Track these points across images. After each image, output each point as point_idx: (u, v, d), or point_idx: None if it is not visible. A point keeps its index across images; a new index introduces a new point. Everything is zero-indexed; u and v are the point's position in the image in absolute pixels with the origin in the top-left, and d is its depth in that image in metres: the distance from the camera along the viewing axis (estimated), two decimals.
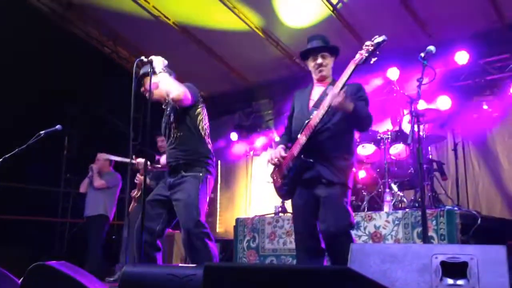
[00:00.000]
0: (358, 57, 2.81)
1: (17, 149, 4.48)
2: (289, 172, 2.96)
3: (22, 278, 3.15)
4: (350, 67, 2.79)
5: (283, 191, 3.07)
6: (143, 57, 3.25)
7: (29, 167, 6.23)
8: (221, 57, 7.16)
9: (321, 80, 3.09)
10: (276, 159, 3.05)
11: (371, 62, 2.82)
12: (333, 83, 2.93)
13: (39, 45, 6.43)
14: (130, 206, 5.42)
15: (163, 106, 3.55)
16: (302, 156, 2.88)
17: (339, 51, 3.13)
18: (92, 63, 7.34)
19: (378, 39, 2.77)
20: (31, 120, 6.02)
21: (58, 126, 4.73)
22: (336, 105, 2.75)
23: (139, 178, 5.33)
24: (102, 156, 6.03)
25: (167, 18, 6.51)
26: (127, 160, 3.92)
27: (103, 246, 6.12)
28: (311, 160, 2.87)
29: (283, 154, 3.04)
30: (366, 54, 2.77)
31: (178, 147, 3.33)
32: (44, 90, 6.60)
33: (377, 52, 2.80)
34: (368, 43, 2.81)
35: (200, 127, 3.35)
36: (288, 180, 2.97)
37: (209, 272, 1.67)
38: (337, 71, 3.05)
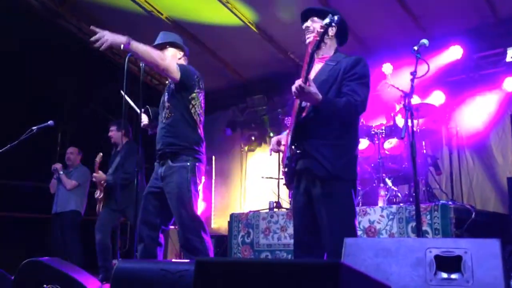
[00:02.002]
0: (312, 41, 2.58)
1: (8, 145, 4.46)
2: (286, 162, 2.74)
3: (15, 274, 3.14)
4: (308, 54, 2.57)
5: (285, 180, 2.84)
6: None
7: (20, 163, 6.18)
8: (214, 52, 7.13)
9: (313, 49, 2.61)
10: (274, 147, 2.86)
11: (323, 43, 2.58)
12: (334, 58, 2.73)
13: (29, 41, 6.38)
14: (97, 207, 5.31)
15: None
16: (292, 146, 2.66)
17: (340, 21, 2.63)
18: (84, 58, 7.29)
19: (326, 20, 2.53)
20: (23, 116, 5.99)
21: (50, 122, 4.72)
22: (294, 91, 2.48)
23: (96, 176, 5.22)
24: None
25: (159, 13, 6.46)
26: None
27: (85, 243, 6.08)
28: (298, 151, 2.64)
29: (282, 142, 2.83)
30: (318, 38, 2.53)
31: (167, 128, 3.27)
32: (35, 86, 6.54)
33: (329, 34, 2.64)
34: (318, 26, 2.60)
35: (192, 111, 3.29)
36: (288, 170, 2.74)
37: (201, 267, 1.65)
38: None
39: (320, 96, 2.51)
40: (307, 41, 2.75)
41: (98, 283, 3.18)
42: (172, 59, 3.35)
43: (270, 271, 1.47)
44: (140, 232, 3.23)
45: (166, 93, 3.34)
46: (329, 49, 2.80)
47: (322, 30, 2.53)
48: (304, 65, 2.55)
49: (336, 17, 2.56)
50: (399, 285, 1.99)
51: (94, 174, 5.22)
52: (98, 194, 5.31)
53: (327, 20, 2.54)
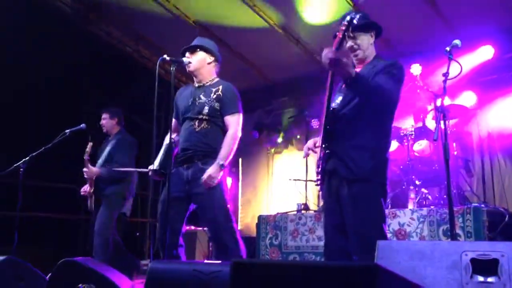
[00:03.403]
0: (335, 40, 2.57)
1: (43, 148, 4.57)
2: (318, 162, 2.74)
3: (50, 274, 3.22)
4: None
5: (317, 180, 2.80)
6: (165, 56, 3.27)
7: (53, 165, 6.32)
8: (241, 55, 7.16)
9: (360, 63, 2.82)
10: (308, 150, 2.87)
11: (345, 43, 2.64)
12: (375, 60, 2.75)
13: (61, 46, 6.53)
14: (89, 203, 4.79)
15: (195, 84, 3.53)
16: (322, 145, 2.66)
17: (374, 25, 2.78)
18: (114, 62, 7.43)
19: (347, 18, 2.54)
20: (54, 119, 6.13)
21: (82, 125, 4.81)
22: (325, 61, 2.43)
23: (87, 172, 4.72)
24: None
25: (187, 17, 6.54)
26: (145, 170, 3.79)
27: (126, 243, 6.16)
28: (327, 151, 2.65)
29: (317, 144, 2.80)
30: (341, 36, 2.53)
31: (200, 138, 3.31)
32: (65, 90, 6.69)
33: (350, 32, 2.62)
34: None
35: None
36: (320, 171, 2.72)
37: (237, 268, 1.66)
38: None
39: (353, 70, 2.48)
40: (355, 60, 2.80)
41: (130, 283, 3.23)
42: (200, 63, 3.40)
43: (307, 273, 1.48)
44: (161, 237, 3.23)
45: (207, 108, 3.33)
46: (371, 54, 2.83)
47: (343, 28, 2.54)
48: (326, 90, 2.57)
49: (358, 16, 2.56)
50: None
51: (85, 170, 4.69)
52: (87, 188, 4.77)
53: (348, 18, 2.55)
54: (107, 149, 4.91)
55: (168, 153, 3.32)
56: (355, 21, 2.56)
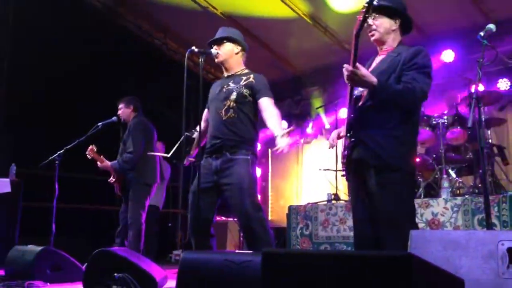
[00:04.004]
0: (356, 23, 2.52)
1: (77, 141, 4.68)
2: (344, 152, 2.72)
3: (86, 264, 3.31)
4: (354, 38, 2.51)
5: (344, 171, 2.81)
6: (194, 47, 3.28)
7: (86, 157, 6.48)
8: (268, 45, 7.14)
9: (379, 45, 2.79)
10: (332, 140, 2.87)
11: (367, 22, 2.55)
12: (397, 50, 2.69)
13: (92, 40, 6.66)
14: (115, 189, 4.84)
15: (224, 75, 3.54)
16: (347, 134, 2.64)
17: (399, 12, 2.71)
18: (143, 55, 7.53)
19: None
20: (85, 111, 6.26)
21: (114, 118, 4.91)
22: (348, 81, 2.46)
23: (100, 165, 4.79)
24: None
25: (214, 8, 6.56)
26: (167, 155, 3.87)
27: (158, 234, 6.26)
28: (352, 139, 2.61)
29: (341, 134, 2.82)
30: (361, 18, 2.48)
31: (227, 124, 3.29)
32: (96, 82, 6.82)
33: (370, 12, 2.54)
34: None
35: (256, 114, 3.36)
36: (345, 160, 2.71)
37: (268, 258, 1.67)
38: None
39: (375, 79, 2.47)
40: (372, 40, 2.77)
41: (164, 273, 3.28)
42: (228, 54, 3.41)
43: (339, 263, 1.47)
44: (193, 229, 3.26)
45: (235, 93, 3.33)
46: (392, 41, 2.76)
47: (364, 10, 2.48)
48: (351, 50, 2.51)
49: None
50: (470, 278, 1.92)
51: (98, 164, 4.76)
52: (112, 179, 4.81)
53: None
54: (124, 137, 4.90)
55: (188, 146, 3.42)
56: (375, 2, 2.50)
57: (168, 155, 3.69)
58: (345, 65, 2.49)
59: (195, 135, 3.41)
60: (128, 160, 4.68)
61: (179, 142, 3.48)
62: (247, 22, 6.66)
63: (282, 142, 2.98)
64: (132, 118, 4.96)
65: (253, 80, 3.36)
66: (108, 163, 4.77)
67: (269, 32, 6.88)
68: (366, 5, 2.46)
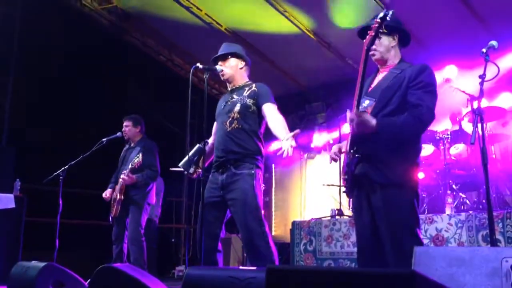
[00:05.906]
0: (367, 38, 2.58)
1: (81, 156, 4.71)
2: (346, 169, 2.72)
3: (89, 280, 3.29)
4: (363, 53, 2.56)
5: (345, 187, 2.80)
6: (198, 64, 3.32)
7: (90, 173, 6.49)
8: (272, 61, 7.20)
9: (380, 64, 2.80)
10: (334, 155, 2.84)
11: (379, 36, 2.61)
12: (399, 66, 2.69)
13: (98, 56, 6.73)
14: (114, 210, 4.80)
15: (228, 89, 3.57)
16: (351, 150, 2.64)
17: (396, 28, 2.72)
18: (148, 71, 7.59)
19: (380, 14, 2.51)
20: (90, 127, 6.30)
21: (118, 133, 4.94)
22: (354, 128, 2.53)
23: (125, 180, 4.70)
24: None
25: (219, 24, 6.63)
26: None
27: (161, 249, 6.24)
28: (356, 155, 2.61)
29: (342, 149, 2.80)
30: (373, 33, 2.52)
31: (231, 136, 3.30)
32: (101, 98, 6.87)
33: (383, 28, 2.56)
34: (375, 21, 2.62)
35: (259, 124, 3.37)
36: (347, 176, 2.70)
37: (272, 274, 1.67)
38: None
39: (374, 122, 2.50)
40: (374, 60, 2.77)
41: None
42: (233, 70, 3.45)
43: (343, 280, 1.47)
44: (202, 243, 3.25)
45: (239, 104, 3.36)
46: (393, 58, 2.77)
47: (377, 25, 2.51)
48: (360, 65, 2.54)
49: (390, 12, 2.52)
50: None
51: (123, 177, 4.65)
52: (116, 195, 4.77)
53: (381, 15, 2.51)
54: (132, 156, 4.81)
55: (196, 155, 3.44)
56: (388, 18, 2.52)
57: (180, 165, 3.63)
58: (349, 113, 2.56)
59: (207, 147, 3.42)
60: (153, 176, 4.80)
61: (192, 152, 3.48)
62: (251, 38, 6.73)
63: (287, 145, 2.97)
64: (140, 138, 5.04)
65: (255, 89, 3.40)
66: (133, 176, 4.72)
67: (273, 48, 6.94)
68: (379, 20, 2.50)
